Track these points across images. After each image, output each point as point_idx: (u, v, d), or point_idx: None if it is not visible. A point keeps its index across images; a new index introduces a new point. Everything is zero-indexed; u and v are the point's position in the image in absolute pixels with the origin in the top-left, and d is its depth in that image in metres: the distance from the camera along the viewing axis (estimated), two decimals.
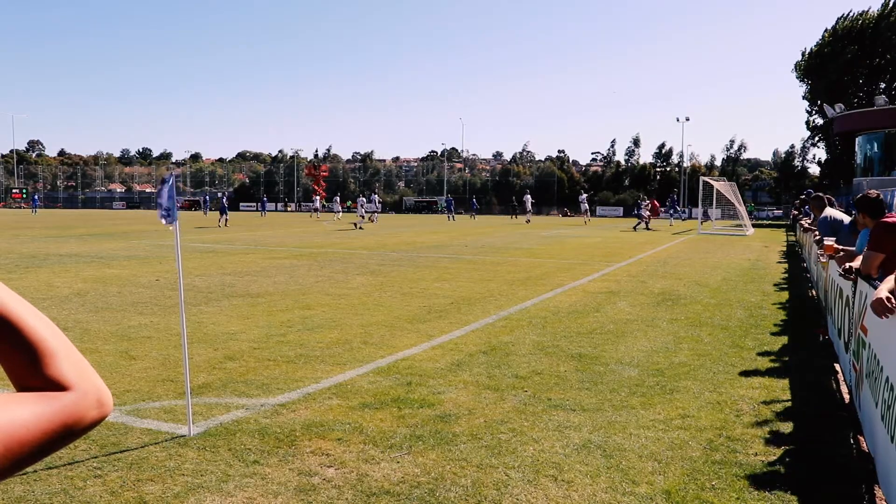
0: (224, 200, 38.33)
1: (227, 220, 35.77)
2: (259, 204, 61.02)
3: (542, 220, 48.43)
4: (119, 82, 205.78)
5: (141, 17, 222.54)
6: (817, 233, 9.67)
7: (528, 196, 46.47)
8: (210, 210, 52.45)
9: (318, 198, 60.66)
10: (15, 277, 12.69)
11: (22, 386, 0.79)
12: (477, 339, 7.67)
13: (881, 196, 5.97)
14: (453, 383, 5.85)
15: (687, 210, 57.22)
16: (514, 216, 52.37)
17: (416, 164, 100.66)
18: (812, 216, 13.30)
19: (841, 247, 6.88)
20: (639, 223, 35.56)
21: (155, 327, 8.09)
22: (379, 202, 41.18)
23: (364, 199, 37.73)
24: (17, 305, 0.80)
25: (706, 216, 37.57)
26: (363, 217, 35.17)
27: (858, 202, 6.04)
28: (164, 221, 4.54)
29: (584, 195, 46.74)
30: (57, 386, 0.79)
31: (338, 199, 52.35)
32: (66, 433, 0.78)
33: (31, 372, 0.78)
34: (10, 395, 0.75)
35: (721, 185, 37.24)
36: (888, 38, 49.34)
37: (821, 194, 9.94)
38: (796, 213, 26.37)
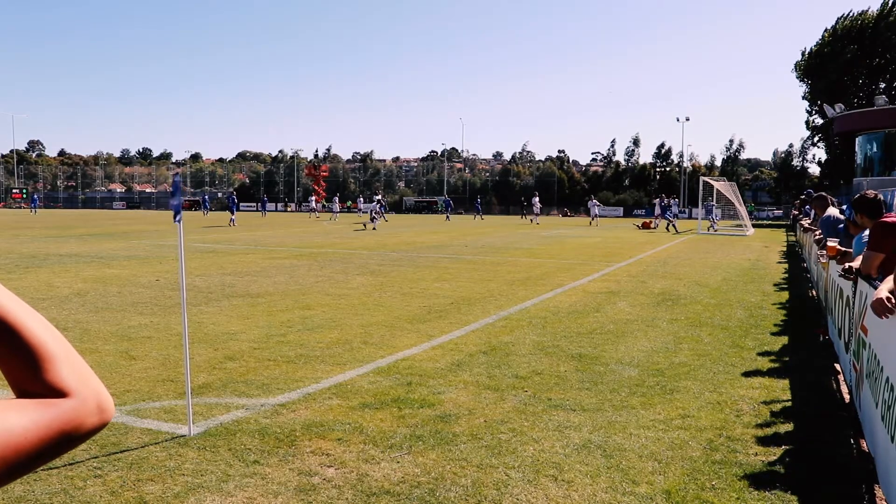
0: (235, 199, 39.82)
1: (233, 220, 36.86)
2: (259, 204, 61.10)
3: (543, 220, 48.40)
4: (119, 82, 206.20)
5: (141, 17, 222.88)
6: (818, 232, 9.68)
7: (536, 198, 46.17)
8: (210, 210, 52.49)
9: (313, 198, 60.94)
10: (15, 277, 12.69)
11: (21, 390, 0.77)
12: (477, 339, 7.67)
13: (879, 196, 5.97)
14: (453, 383, 5.85)
15: (687, 210, 57.21)
16: (524, 216, 52.27)
17: (416, 164, 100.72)
18: (813, 216, 13.32)
19: (843, 248, 6.87)
20: (669, 223, 35.20)
21: (155, 327, 8.09)
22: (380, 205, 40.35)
23: (375, 205, 36.61)
24: (17, 308, 0.79)
25: (713, 216, 37.26)
26: (375, 219, 34.35)
27: (856, 203, 6.01)
28: (177, 219, 4.65)
29: (595, 200, 46.08)
30: (56, 392, 0.77)
31: (336, 199, 52.48)
32: (65, 440, 0.76)
33: (31, 377, 0.77)
34: (6, 402, 0.74)
35: (721, 185, 37.20)
36: (888, 38, 49.37)
37: (823, 194, 9.94)
38: (797, 213, 26.37)
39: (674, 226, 35.16)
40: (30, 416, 0.74)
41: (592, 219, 43.09)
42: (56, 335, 0.81)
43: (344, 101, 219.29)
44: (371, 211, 35.30)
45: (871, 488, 3.91)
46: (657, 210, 37.78)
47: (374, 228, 32.31)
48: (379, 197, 39.12)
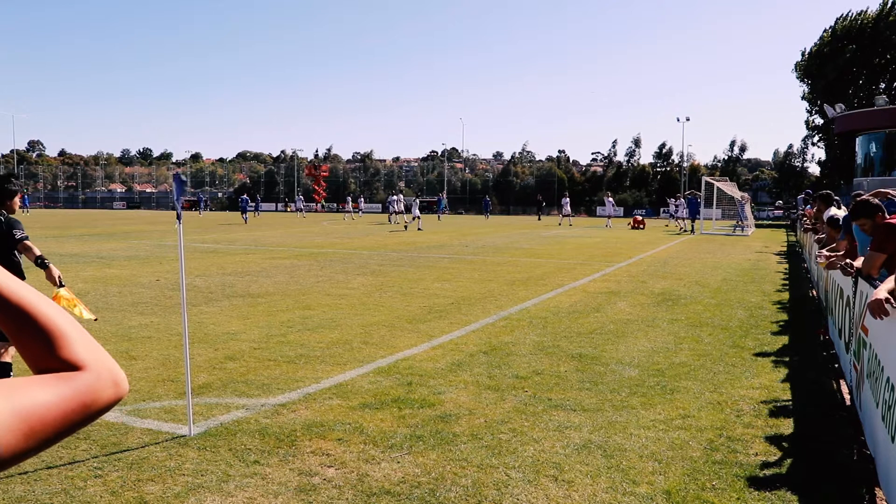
0: (247, 199, 42.65)
1: (247, 217, 40.42)
2: (255, 203, 61.28)
3: (545, 220, 48.40)
4: (119, 82, 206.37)
5: (141, 17, 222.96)
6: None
7: (567, 199, 44.07)
8: (208, 209, 52.57)
9: (301, 198, 61.25)
10: None
11: (39, 368, 0.81)
12: (477, 339, 7.67)
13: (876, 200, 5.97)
14: (454, 383, 5.85)
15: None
16: (539, 218, 51.59)
17: (416, 164, 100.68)
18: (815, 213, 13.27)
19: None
20: (691, 221, 34.03)
21: (155, 327, 8.09)
22: (397, 202, 38.32)
23: (417, 201, 35.11)
24: (30, 294, 0.83)
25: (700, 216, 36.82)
26: (417, 218, 33.24)
27: (862, 207, 5.92)
28: (178, 222, 4.67)
29: (611, 198, 43.99)
30: (72, 367, 0.81)
31: (350, 199, 52.95)
32: (85, 412, 0.80)
33: (47, 354, 0.81)
34: (29, 378, 0.78)
35: (723, 185, 37.09)
36: (887, 38, 49.35)
37: (830, 192, 9.97)
38: (803, 213, 26.32)
39: (690, 225, 34.27)
40: (52, 389, 0.77)
41: (608, 219, 40.26)
42: (69, 317, 0.85)
43: (344, 101, 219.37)
44: (415, 209, 33.63)
45: (871, 489, 3.91)
46: (681, 210, 35.70)
47: (418, 228, 31.78)
48: (398, 197, 38.44)
